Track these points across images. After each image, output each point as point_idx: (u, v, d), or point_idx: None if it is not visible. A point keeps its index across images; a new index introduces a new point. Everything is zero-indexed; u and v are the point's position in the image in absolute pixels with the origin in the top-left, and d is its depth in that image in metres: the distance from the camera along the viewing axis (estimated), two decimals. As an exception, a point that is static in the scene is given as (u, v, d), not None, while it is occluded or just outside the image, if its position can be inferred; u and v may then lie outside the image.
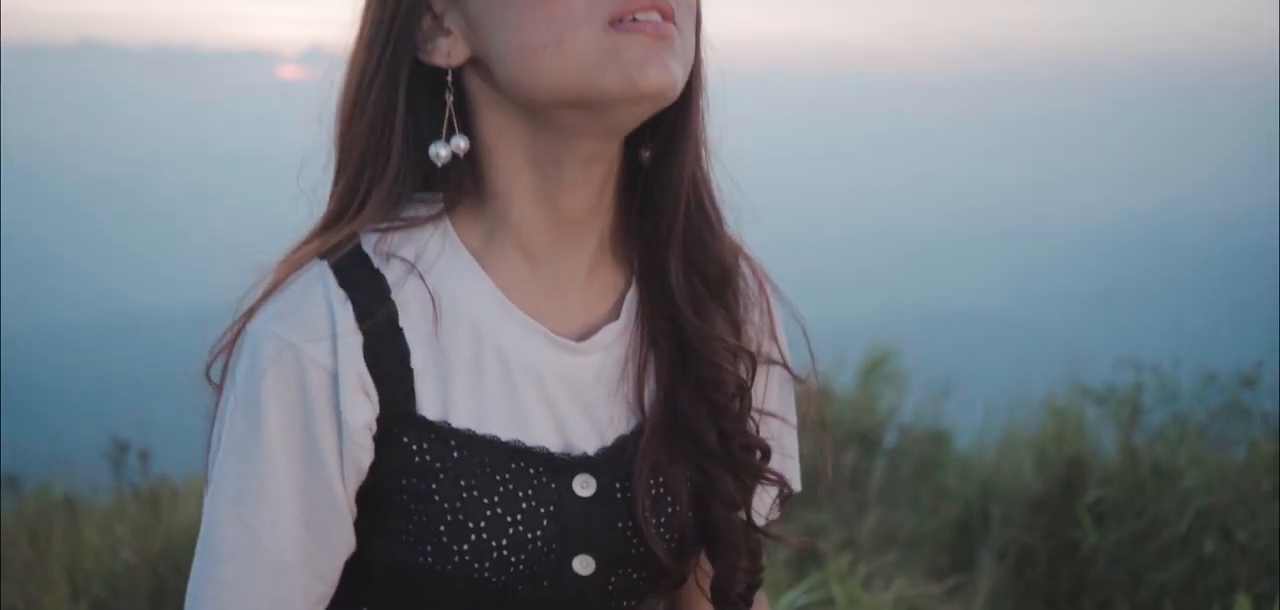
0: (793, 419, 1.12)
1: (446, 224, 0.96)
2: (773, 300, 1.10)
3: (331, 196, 0.99)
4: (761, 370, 1.06)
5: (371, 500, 0.96)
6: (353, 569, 1.00)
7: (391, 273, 0.95)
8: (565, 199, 0.97)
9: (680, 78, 0.92)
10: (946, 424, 5.76)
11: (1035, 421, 5.15)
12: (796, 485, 1.12)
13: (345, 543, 0.97)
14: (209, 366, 0.99)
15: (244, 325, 0.96)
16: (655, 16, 0.90)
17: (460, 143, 0.94)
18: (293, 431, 0.93)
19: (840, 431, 4.82)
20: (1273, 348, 6.48)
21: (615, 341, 1.01)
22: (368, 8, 0.97)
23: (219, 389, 0.98)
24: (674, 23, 0.91)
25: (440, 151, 0.94)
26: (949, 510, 4.62)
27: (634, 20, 0.89)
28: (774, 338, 1.09)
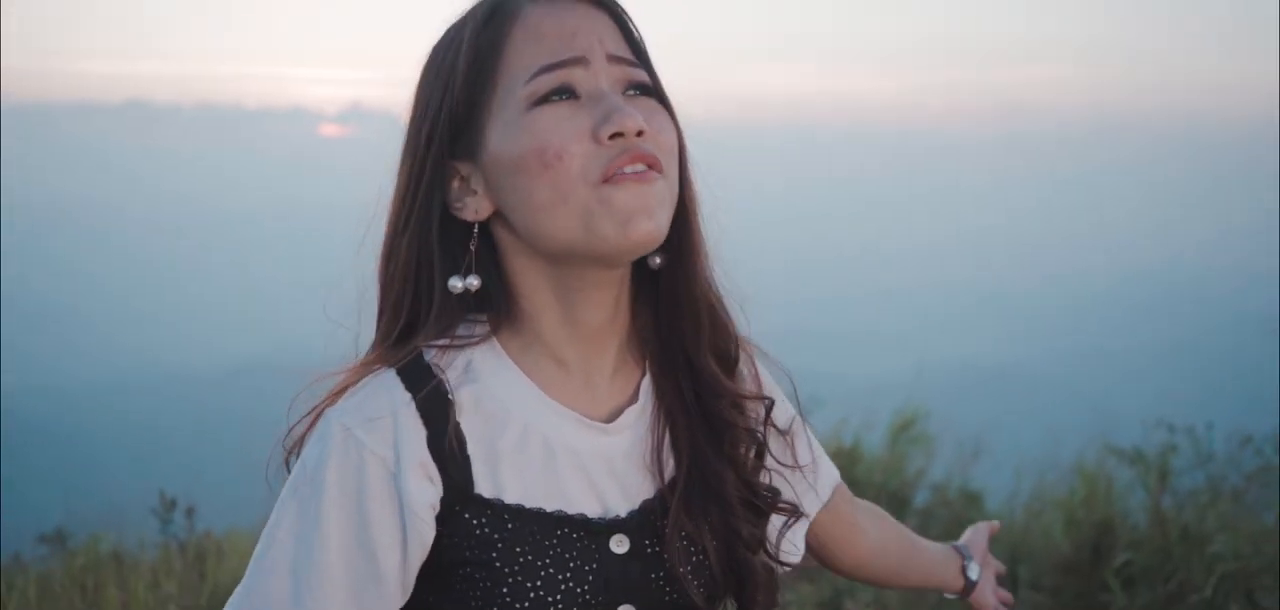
0: (807, 477, 1.32)
1: (493, 340, 1.15)
2: (758, 367, 1.29)
3: (378, 324, 1.19)
4: (772, 436, 1.27)
5: (438, 572, 1.13)
6: None
7: (450, 378, 1.13)
8: (585, 316, 1.16)
9: (664, 222, 1.10)
10: (976, 484, 5.80)
11: (1065, 483, 5.17)
12: (809, 507, 1.32)
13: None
14: (288, 454, 1.16)
15: (316, 419, 1.14)
16: (641, 167, 1.08)
17: (472, 281, 1.14)
18: (349, 511, 1.10)
19: (870, 491, 4.88)
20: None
21: (637, 421, 1.20)
22: (402, 169, 1.15)
23: (286, 466, 1.15)
24: (659, 169, 1.10)
25: (456, 285, 1.14)
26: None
27: (622, 173, 1.07)
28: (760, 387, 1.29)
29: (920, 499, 5.28)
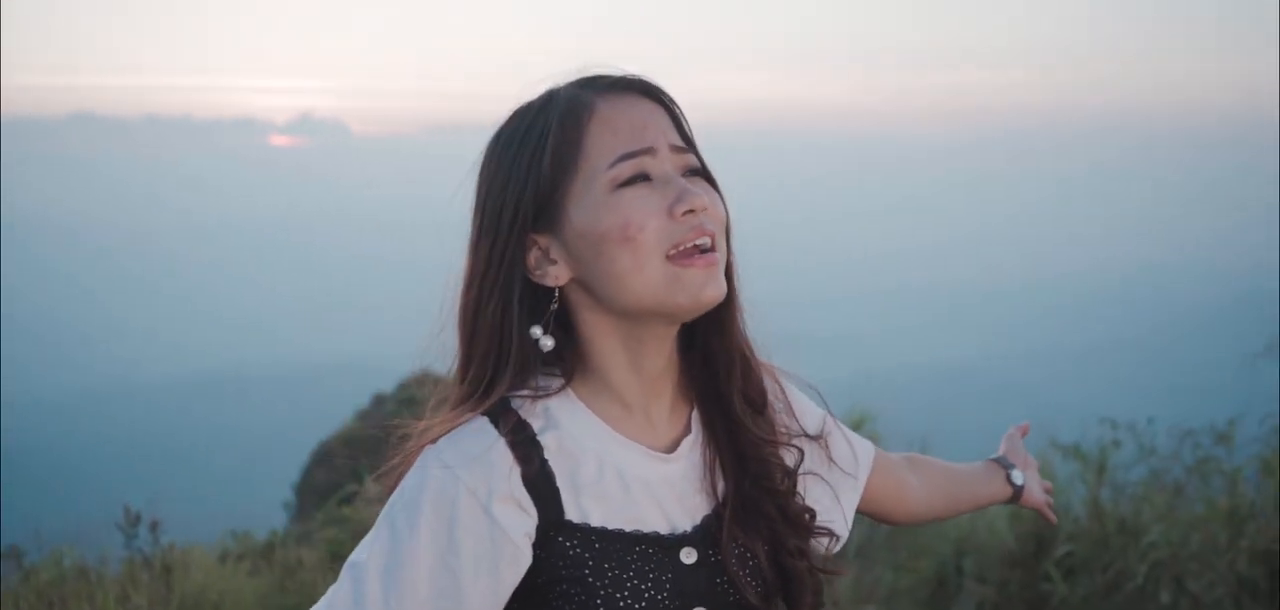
0: (845, 468, 1.52)
1: (568, 390, 1.35)
2: (785, 389, 1.49)
3: (462, 372, 1.38)
4: (806, 445, 1.47)
5: (534, 591, 1.32)
6: None
7: (535, 423, 1.33)
8: (647, 363, 1.37)
9: (724, 286, 1.33)
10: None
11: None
12: (843, 531, 1.49)
13: None
14: (386, 490, 1.35)
15: (413, 457, 1.34)
16: (705, 240, 1.30)
17: (547, 341, 1.33)
18: (439, 535, 1.29)
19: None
20: (1249, 404, 6.64)
21: (692, 449, 1.40)
22: (484, 241, 1.36)
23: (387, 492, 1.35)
24: (716, 245, 1.32)
25: (547, 343, 1.34)
26: (924, 567, 4.80)
27: (690, 250, 1.30)
28: (794, 416, 1.48)
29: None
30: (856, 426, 5.53)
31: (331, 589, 1.32)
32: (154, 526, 3.87)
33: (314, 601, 1.41)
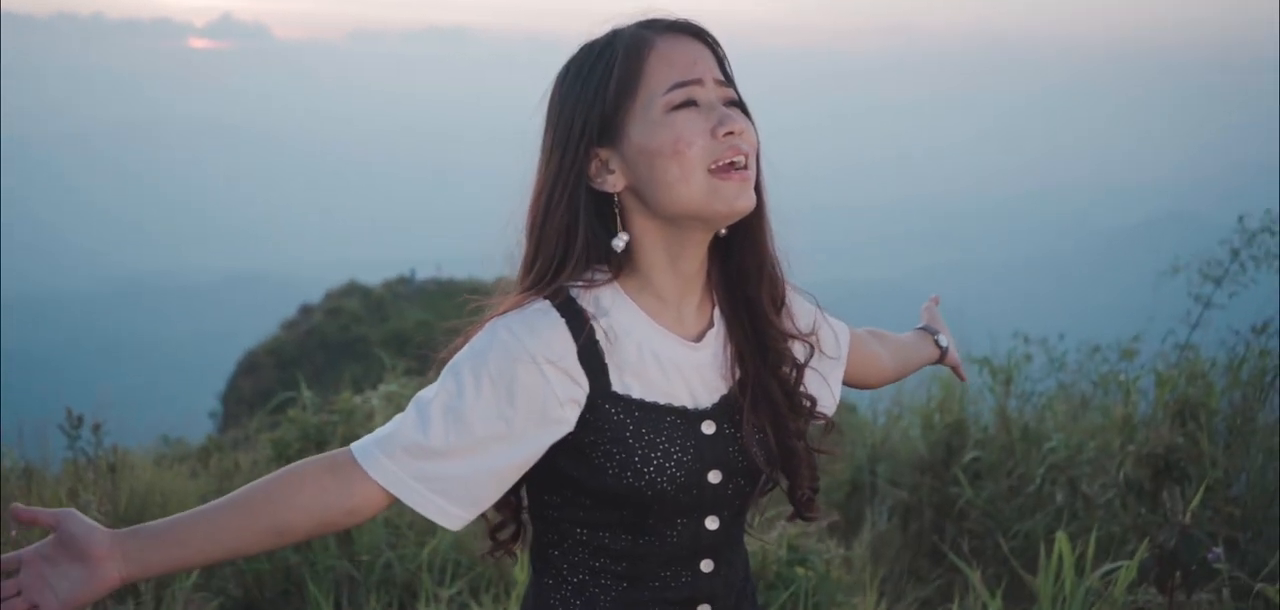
0: (830, 353, 1.77)
1: (615, 284, 1.60)
2: (792, 299, 1.73)
3: (529, 263, 1.61)
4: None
5: (579, 449, 1.57)
6: (570, 496, 1.61)
7: (588, 309, 1.58)
8: (684, 264, 1.61)
9: (753, 199, 1.57)
10: (845, 395, 6.17)
11: (924, 391, 5.59)
12: (832, 406, 1.76)
13: (500, 469, 1.55)
14: (451, 352, 1.59)
15: (480, 328, 1.58)
16: (740, 159, 1.54)
17: (625, 238, 1.58)
18: (499, 388, 1.54)
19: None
20: (1154, 321, 6.96)
21: (715, 339, 1.64)
22: (554, 154, 1.59)
23: (447, 358, 1.59)
24: (749, 164, 1.56)
25: (618, 244, 1.58)
26: (840, 472, 5.04)
27: (727, 165, 1.54)
28: (792, 317, 1.73)
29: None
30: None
31: (398, 417, 1.57)
32: (97, 428, 3.95)
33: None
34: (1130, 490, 3.84)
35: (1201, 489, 3.30)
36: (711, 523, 1.63)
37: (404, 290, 32.61)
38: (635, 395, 1.57)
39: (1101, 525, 3.86)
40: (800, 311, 1.73)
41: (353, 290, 31.87)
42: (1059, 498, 4.25)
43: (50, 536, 1.45)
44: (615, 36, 1.61)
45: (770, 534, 3.14)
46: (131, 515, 3.72)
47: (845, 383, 1.86)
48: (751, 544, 1.91)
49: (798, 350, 1.68)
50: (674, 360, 1.60)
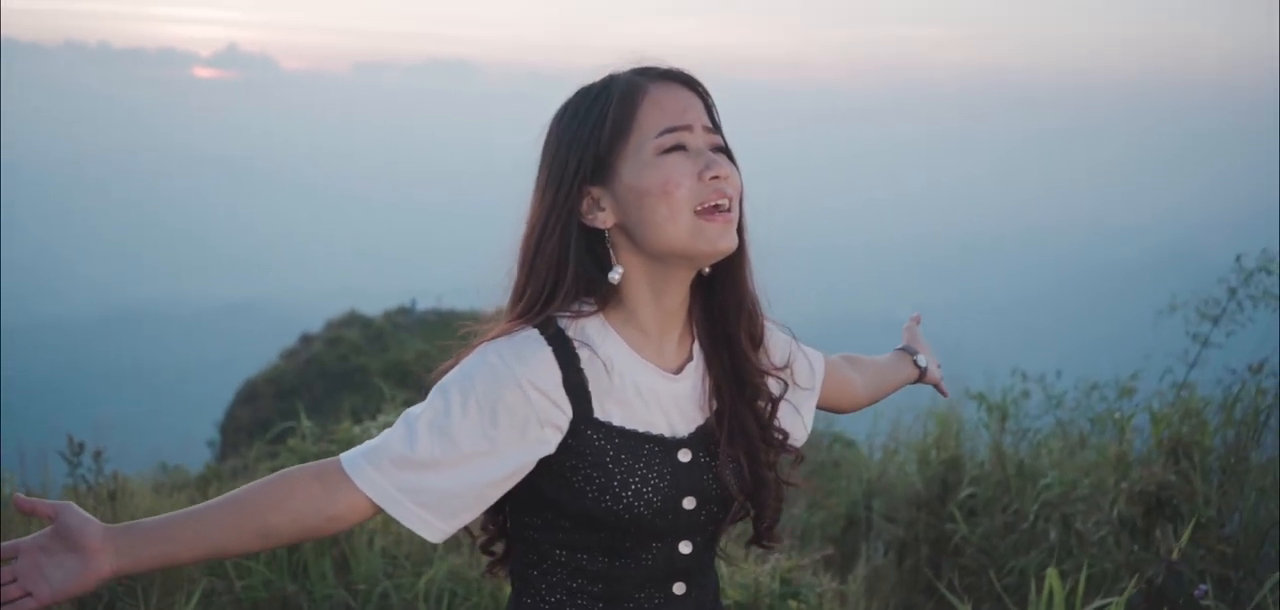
0: (804, 384, 1.86)
1: (601, 316, 1.69)
2: (769, 333, 1.81)
3: (519, 293, 1.70)
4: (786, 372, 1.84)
5: (561, 473, 1.66)
6: (551, 518, 1.68)
7: (574, 339, 1.66)
8: (667, 301, 1.70)
9: (735, 240, 1.67)
10: (843, 429, 6.20)
11: (920, 426, 5.62)
12: (803, 436, 1.84)
13: (481, 485, 1.63)
14: (438, 375, 1.66)
15: (470, 352, 1.66)
16: (724, 202, 1.64)
17: (620, 270, 1.67)
18: (484, 409, 1.61)
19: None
20: (1151, 359, 6.98)
21: (694, 371, 1.73)
22: (549, 189, 1.68)
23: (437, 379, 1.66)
24: (732, 206, 1.66)
25: (614, 276, 1.66)
26: (836, 505, 5.06)
27: (711, 208, 1.63)
28: (769, 352, 1.82)
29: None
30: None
31: (386, 431, 1.64)
32: (98, 455, 3.98)
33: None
34: (1123, 527, 3.86)
35: (1191, 526, 3.32)
36: (685, 547, 1.71)
37: (404, 321, 32.57)
38: (616, 423, 1.66)
39: (1094, 562, 3.88)
40: (776, 345, 1.82)
41: (353, 320, 31.83)
42: (1053, 534, 4.27)
43: (48, 527, 1.52)
44: (611, 81, 1.70)
45: (764, 567, 3.17)
46: None
47: (821, 408, 1.95)
48: (745, 576, 1.96)
49: (773, 385, 1.77)
50: (654, 391, 1.68)
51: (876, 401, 2.17)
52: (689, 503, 1.69)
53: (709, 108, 1.71)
